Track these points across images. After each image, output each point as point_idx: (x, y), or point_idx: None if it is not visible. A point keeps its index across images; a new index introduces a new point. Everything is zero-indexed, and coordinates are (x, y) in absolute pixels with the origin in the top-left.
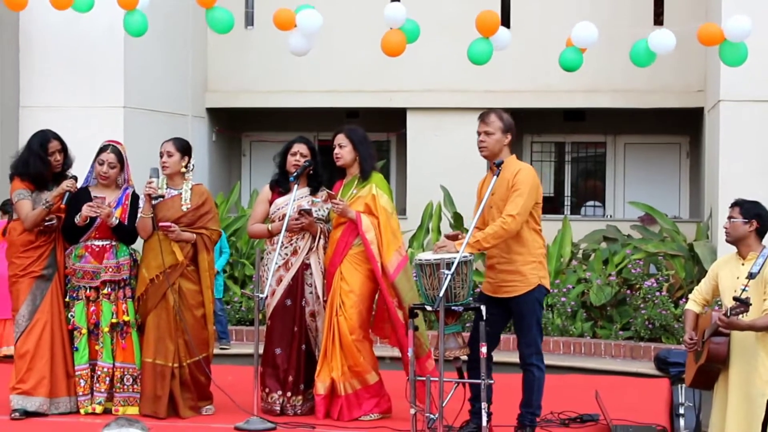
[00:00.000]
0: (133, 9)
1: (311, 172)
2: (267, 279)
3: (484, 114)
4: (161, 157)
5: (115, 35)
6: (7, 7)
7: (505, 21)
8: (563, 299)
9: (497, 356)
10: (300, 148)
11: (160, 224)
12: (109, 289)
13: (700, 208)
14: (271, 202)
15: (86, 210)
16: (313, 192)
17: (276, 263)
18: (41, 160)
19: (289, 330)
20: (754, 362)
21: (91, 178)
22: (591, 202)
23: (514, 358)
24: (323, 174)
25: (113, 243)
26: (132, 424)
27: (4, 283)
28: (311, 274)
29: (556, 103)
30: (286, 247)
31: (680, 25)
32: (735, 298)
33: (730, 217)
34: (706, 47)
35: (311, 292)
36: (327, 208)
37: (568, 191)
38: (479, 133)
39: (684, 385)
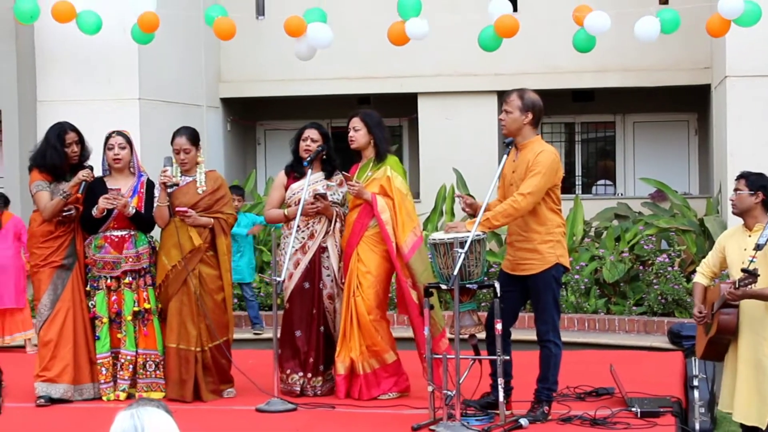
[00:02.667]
0: (152, 33)
1: (324, 156)
2: (284, 263)
3: (507, 93)
4: (178, 154)
5: (128, 28)
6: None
7: (513, 2)
8: (576, 277)
9: (516, 334)
10: (311, 133)
11: (177, 209)
12: (130, 279)
13: (709, 184)
14: (286, 188)
15: (103, 203)
16: (328, 176)
17: (293, 247)
18: (58, 152)
19: (308, 312)
20: (763, 332)
21: (104, 168)
22: (602, 181)
23: (532, 335)
24: (336, 158)
25: (132, 232)
26: (151, 403)
27: (4, 273)
28: (328, 257)
29: (566, 84)
30: (302, 231)
31: (686, 2)
32: (743, 270)
33: (736, 189)
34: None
35: (328, 275)
36: (342, 192)
37: (579, 171)
38: (500, 111)
39: (697, 358)
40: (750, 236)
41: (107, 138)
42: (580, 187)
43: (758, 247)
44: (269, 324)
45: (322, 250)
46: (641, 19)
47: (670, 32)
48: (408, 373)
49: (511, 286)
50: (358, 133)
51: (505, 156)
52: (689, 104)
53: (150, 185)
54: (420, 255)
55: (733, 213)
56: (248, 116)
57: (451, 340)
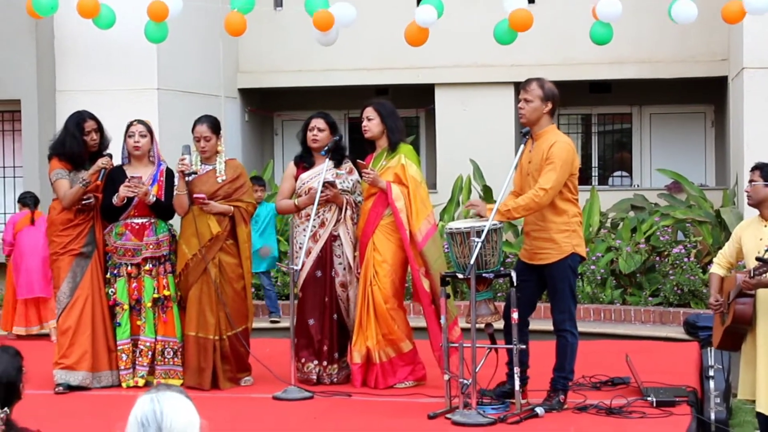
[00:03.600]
0: (162, 20)
1: (335, 146)
2: (298, 252)
3: (526, 82)
4: (198, 142)
5: (147, 18)
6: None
7: None
8: (593, 267)
9: (533, 324)
10: (317, 123)
11: (194, 196)
12: (150, 266)
13: (726, 176)
14: (296, 178)
15: (123, 191)
16: (337, 165)
17: (306, 235)
18: (77, 140)
19: (321, 300)
20: None
21: (124, 156)
22: (618, 173)
23: (549, 326)
24: (346, 147)
25: (152, 220)
26: (170, 388)
27: (43, 263)
28: (340, 245)
29: (583, 75)
30: (314, 220)
31: None
32: (758, 258)
33: (751, 181)
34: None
35: (340, 263)
36: (352, 180)
37: (595, 162)
38: (519, 100)
39: (713, 348)
40: (766, 227)
41: (128, 126)
42: (597, 178)
43: None
44: (286, 313)
45: (333, 238)
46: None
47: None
48: (424, 361)
49: (528, 276)
50: (372, 123)
51: (522, 146)
52: (706, 96)
53: (170, 174)
54: (434, 243)
55: (749, 204)
56: (266, 107)
57: (467, 329)
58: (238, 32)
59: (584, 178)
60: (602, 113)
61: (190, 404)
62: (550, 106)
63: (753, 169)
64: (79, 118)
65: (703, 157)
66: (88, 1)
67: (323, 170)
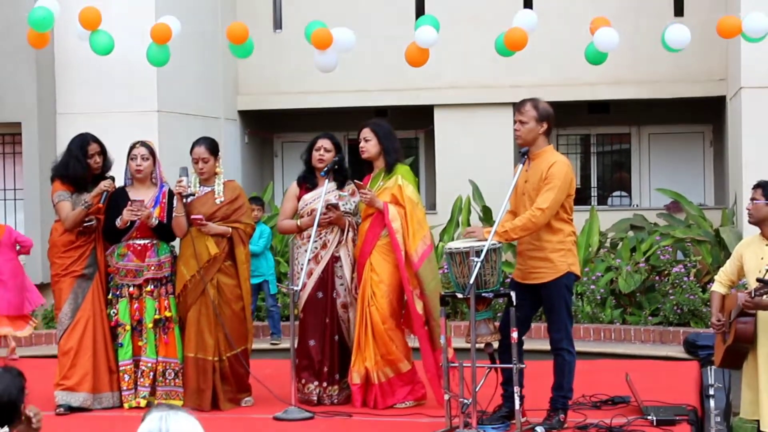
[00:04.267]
0: (165, 43)
1: (337, 167)
2: (299, 273)
3: (520, 103)
4: (196, 163)
5: (147, 41)
6: (32, 45)
7: None
8: (592, 287)
9: (528, 344)
10: (324, 143)
11: (192, 217)
12: (152, 287)
13: (724, 195)
14: (298, 198)
15: (127, 215)
16: (340, 186)
17: (307, 257)
18: (81, 163)
19: (321, 322)
20: None
21: (127, 178)
22: (617, 192)
23: (546, 345)
24: (348, 168)
25: (154, 241)
26: (175, 409)
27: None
28: (341, 266)
29: (582, 96)
30: (315, 241)
31: (701, 15)
32: (758, 279)
33: (752, 199)
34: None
35: (342, 284)
36: (354, 202)
37: (594, 182)
38: (515, 122)
39: (713, 367)
40: (767, 245)
41: (131, 148)
42: (596, 198)
43: None
44: (287, 335)
45: (335, 259)
46: (670, 27)
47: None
48: (423, 381)
49: (523, 295)
50: (369, 144)
51: (520, 166)
52: (704, 116)
53: (172, 195)
54: (429, 264)
55: (750, 222)
56: (266, 128)
57: (467, 349)
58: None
59: (583, 198)
60: (601, 133)
61: (197, 425)
62: (545, 126)
63: (755, 187)
64: (83, 141)
65: (701, 177)
66: (90, 12)
67: (324, 192)
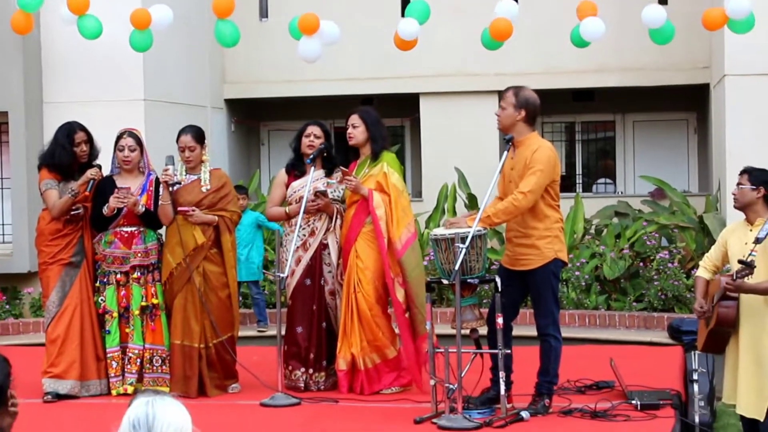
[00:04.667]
0: (146, 28)
1: (325, 154)
2: (287, 260)
3: (505, 90)
4: (183, 152)
5: (132, 28)
6: (16, 31)
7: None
8: (577, 274)
9: (515, 330)
10: (313, 130)
11: (179, 209)
12: (139, 273)
13: (708, 182)
14: (287, 186)
15: (113, 202)
16: (328, 174)
17: (295, 244)
18: (67, 151)
19: (309, 309)
20: (762, 324)
21: (114, 167)
22: (602, 180)
23: (532, 331)
24: (337, 156)
25: (141, 229)
26: (161, 394)
27: None
28: (329, 253)
29: (566, 84)
30: (303, 229)
31: (685, 3)
32: (740, 261)
33: (738, 184)
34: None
35: (330, 272)
36: (342, 189)
37: (579, 170)
38: (498, 107)
39: (697, 352)
40: (751, 231)
41: (118, 138)
42: (581, 185)
43: (758, 241)
44: (274, 322)
45: (323, 247)
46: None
47: (664, 42)
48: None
49: (511, 282)
50: (357, 130)
51: (505, 153)
52: (688, 103)
53: (158, 183)
54: (413, 251)
55: (735, 207)
56: (252, 117)
57: (452, 335)
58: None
59: (568, 186)
60: (586, 121)
61: (184, 411)
62: (523, 113)
63: (742, 173)
64: (70, 129)
65: (686, 164)
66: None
67: (311, 179)
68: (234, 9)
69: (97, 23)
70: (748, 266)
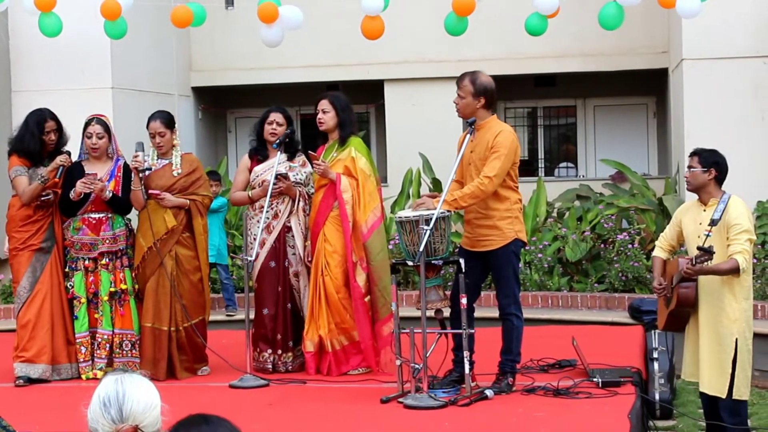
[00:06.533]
0: (116, 19)
1: (288, 139)
2: (252, 244)
3: (460, 77)
4: (153, 138)
5: (100, 18)
6: None
7: None
8: (540, 256)
9: (478, 311)
10: (276, 117)
11: (150, 192)
12: (107, 260)
13: (667, 165)
14: (250, 170)
15: (80, 186)
16: (290, 158)
17: (260, 227)
18: (36, 138)
19: (275, 291)
20: (721, 304)
21: (82, 153)
22: (564, 164)
23: (495, 313)
24: (299, 141)
25: (109, 215)
26: (130, 372)
27: None
28: (293, 236)
29: (528, 69)
30: (267, 212)
31: None
32: (699, 248)
33: (689, 167)
34: (669, 9)
35: (294, 254)
36: (305, 172)
37: (541, 154)
38: (456, 95)
39: (657, 331)
40: (705, 211)
41: (86, 125)
42: (543, 170)
43: (713, 222)
44: (242, 306)
45: (286, 229)
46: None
47: (613, 28)
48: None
49: (472, 263)
50: (327, 115)
51: (468, 136)
52: (648, 88)
53: (127, 169)
54: (378, 235)
55: (688, 189)
56: (219, 104)
57: (417, 318)
58: (184, 24)
59: (531, 170)
60: (547, 106)
61: (153, 388)
62: (482, 101)
63: (692, 155)
64: (41, 117)
65: (645, 148)
66: None
67: (276, 163)
68: (192, 20)
69: (57, 20)
70: (707, 252)
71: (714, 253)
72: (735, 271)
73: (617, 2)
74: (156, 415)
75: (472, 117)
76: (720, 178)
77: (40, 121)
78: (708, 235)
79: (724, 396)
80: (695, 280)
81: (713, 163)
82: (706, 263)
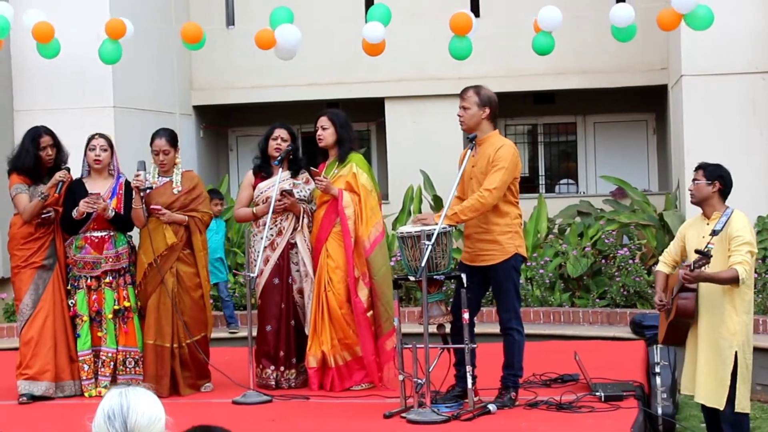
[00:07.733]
0: (120, 38)
1: (292, 156)
2: (255, 260)
3: (463, 90)
4: (157, 155)
5: (102, 39)
6: None
7: (474, 8)
8: (542, 271)
9: (479, 327)
10: (281, 133)
11: (151, 207)
12: (110, 278)
13: (668, 180)
14: (254, 187)
15: (83, 206)
16: (294, 175)
17: (263, 244)
18: (31, 154)
19: (278, 307)
20: (720, 315)
21: (84, 169)
22: (564, 180)
23: (496, 329)
24: (303, 158)
25: (111, 233)
26: (133, 385)
27: None
28: (297, 252)
29: (528, 86)
30: (271, 228)
31: (642, 4)
32: (697, 251)
33: (694, 180)
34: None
35: (297, 270)
36: (308, 189)
37: (542, 171)
38: (460, 108)
39: (659, 346)
40: (708, 224)
41: (89, 139)
42: (544, 186)
43: (714, 233)
44: (244, 323)
45: (290, 246)
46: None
47: (626, 40)
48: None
49: (472, 278)
50: (326, 132)
51: (469, 151)
52: (647, 104)
53: (128, 186)
54: (381, 250)
55: (692, 202)
56: (220, 123)
57: (419, 333)
58: (194, 41)
59: (532, 187)
60: (547, 123)
61: (157, 401)
62: (487, 111)
63: (697, 169)
64: (35, 134)
65: (645, 164)
66: (43, 26)
67: (278, 179)
68: (203, 35)
69: (55, 43)
70: (704, 255)
71: (711, 256)
72: (735, 280)
73: (614, 26)
74: (160, 428)
75: (477, 129)
76: (724, 192)
77: (35, 136)
78: (709, 246)
79: (722, 408)
80: (695, 290)
81: (718, 176)
82: (704, 267)
